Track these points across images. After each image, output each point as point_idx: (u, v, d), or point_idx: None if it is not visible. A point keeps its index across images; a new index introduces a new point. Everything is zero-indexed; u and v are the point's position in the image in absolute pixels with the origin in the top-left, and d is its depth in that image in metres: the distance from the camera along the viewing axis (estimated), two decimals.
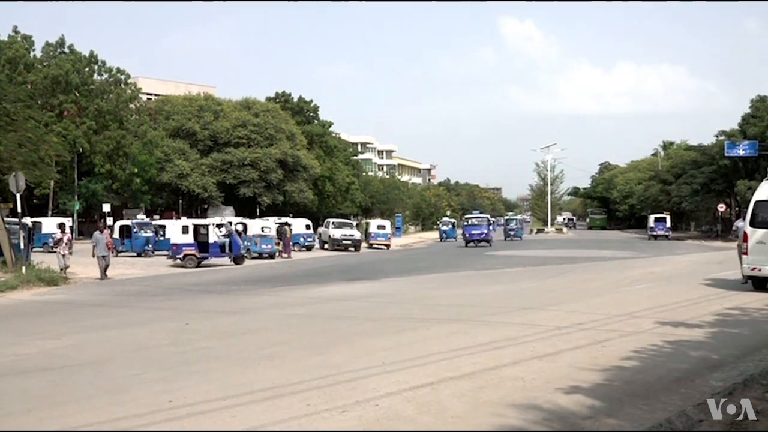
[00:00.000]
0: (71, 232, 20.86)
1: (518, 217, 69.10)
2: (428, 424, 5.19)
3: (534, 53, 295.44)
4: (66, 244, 19.99)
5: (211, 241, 26.18)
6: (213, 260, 26.06)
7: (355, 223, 47.42)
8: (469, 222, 44.75)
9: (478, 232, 42.47)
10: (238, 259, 26.97)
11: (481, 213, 54.27)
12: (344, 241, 38.26)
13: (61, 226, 22.98)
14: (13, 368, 7.61)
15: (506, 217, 65.89)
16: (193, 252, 25.63)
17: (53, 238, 33.33)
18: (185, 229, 26.57)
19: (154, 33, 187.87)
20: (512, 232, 53.50)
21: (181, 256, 25.35)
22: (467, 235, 42.87)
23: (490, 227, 43.78)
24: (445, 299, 13.81)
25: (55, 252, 20.73)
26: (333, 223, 41.07)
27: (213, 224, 27.54)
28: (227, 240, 26.72)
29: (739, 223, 16.14)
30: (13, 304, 14.40)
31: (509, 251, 35.26)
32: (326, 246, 38.89)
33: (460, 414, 5.42)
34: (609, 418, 5.28)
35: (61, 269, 19.49)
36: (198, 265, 25.19)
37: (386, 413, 5.43)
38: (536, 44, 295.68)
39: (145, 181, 46.70)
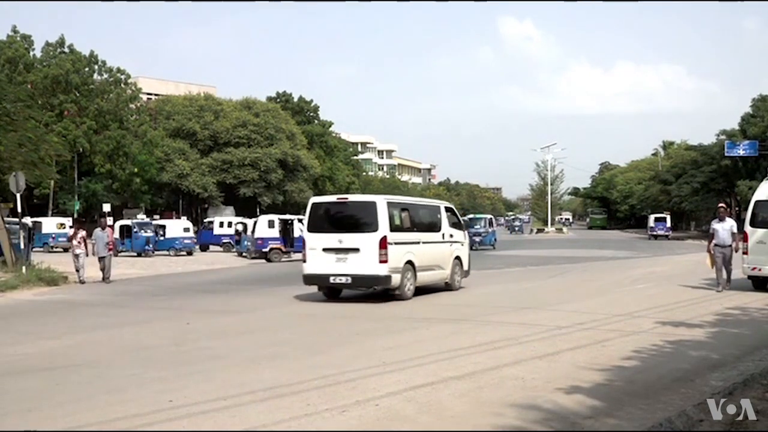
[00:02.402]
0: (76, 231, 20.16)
1: (487, 216, 42.47)
2: (428, 424, 5.18)
3: (533, 53, 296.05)
4: (79, 242, 18.85)
5: (296, 235, 26.73)
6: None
7: None
8: None
9: None
10: None
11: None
12: None
13: (78, 223, 22.81)
14: (13, 368, 7.60)
15: (470, 216, 42.53)
16: (279, 246, 26.62)
17: (53, 237, 33.55)
18: (271, 224, 27.20)
19: (154, 33, 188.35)
20: (478, 239, 35.35)
21: (267, 249, 26.27)
22: None
23: None
24: (444, 299, 13.82)
25: (54, 252, 20.56)
26: None
27: (297, 219, 28.12)
28: None
29: (715, 224, 14.62)
30: (13, 304, 14.40)
31: (509, 251, 35.26)
32: None
33: (460, 414, 5.41)
34: (609, 417, 5.27)
35: (77, 270, 18.65)
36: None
37: (386, 413, 5.42)
38: (536, 44, 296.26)
39: (145, 181, 46.71)
